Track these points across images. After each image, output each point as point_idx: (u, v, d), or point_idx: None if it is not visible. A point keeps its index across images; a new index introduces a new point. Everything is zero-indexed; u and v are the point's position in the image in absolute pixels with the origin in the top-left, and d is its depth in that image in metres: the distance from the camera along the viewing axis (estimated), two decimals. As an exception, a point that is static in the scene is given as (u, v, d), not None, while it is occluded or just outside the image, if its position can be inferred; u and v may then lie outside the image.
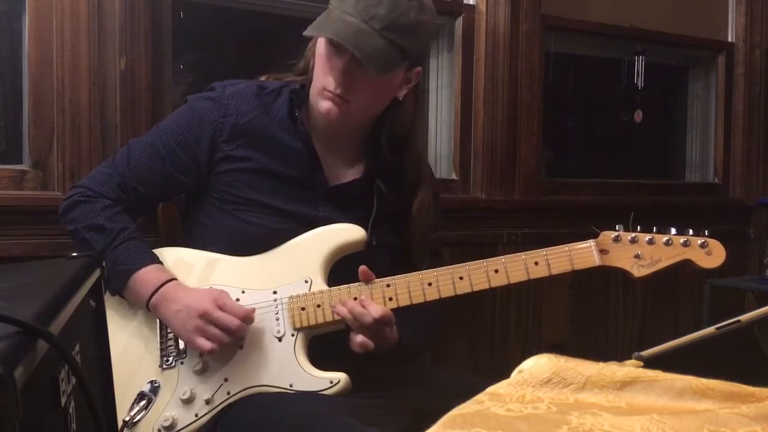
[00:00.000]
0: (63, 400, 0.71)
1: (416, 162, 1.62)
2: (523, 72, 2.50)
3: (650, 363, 1.04)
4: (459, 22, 2.45)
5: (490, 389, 0.89)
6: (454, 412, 0.81)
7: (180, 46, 2.01)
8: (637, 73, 2.85)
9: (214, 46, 2.26)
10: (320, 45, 1.47)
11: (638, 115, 2.90)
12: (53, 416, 0.70)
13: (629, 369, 0.94)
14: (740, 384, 0.90)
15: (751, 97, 3.08)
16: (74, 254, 0.98)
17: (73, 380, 0.75)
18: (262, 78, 1.63)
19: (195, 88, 1.81)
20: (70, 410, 0.74)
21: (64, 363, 0.71)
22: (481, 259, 1.49)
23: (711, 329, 1.13)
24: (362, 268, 1.46)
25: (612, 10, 2.78)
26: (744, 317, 1.12)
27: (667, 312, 2.89)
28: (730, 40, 3.09)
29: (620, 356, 1.09)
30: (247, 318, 1.41)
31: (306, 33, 1.45)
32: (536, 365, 0.93)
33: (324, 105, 1.47)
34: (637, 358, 1.09)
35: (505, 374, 0.94)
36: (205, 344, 1.39)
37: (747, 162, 3.09)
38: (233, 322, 1.38)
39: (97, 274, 0.95)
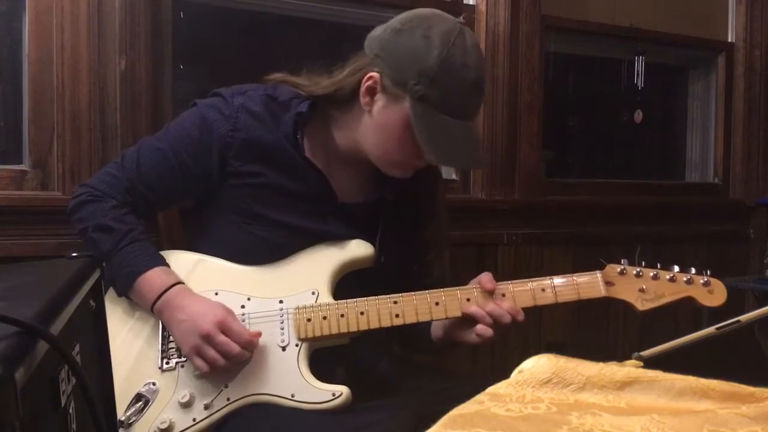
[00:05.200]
0: (63, 400, 0.71)
1: (434, 180, 1.62)
2: (523, 72, 2.50)
3: (650, 363, 1.04)
4: (459, 22, 2.45)
5: (490, 389, 0.89)
6: (454, 412, 0.81)
7: (180, 46, 2.01)
8: (637, 74, 2.85)
9: (215, 46, 2.26)
10: (404, 128, 1.41)
11: (638, 116, 2.90)
12: (53, 416, 0.70)
13: (629, 369, 0.94)
14: (740, 384, 0.90)
15: (751, 97, 3.08)
16: (74, 254, 0.98)
17: (73, 380, 0.75)
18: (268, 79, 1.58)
19: (195, 87, 1.81)
20: (70, 410, 0.74)
21: (64, 363, 0.71)
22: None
23: (711, 329, 1.13)
24: (487, 278, 1.47)
25: (612, 10, 2.78)
26: (744, 317, 1.12)
27: (667, 312, 2.87)
28: (730, 40, 3.09)
29: (620, 356, 1.09)
30: (250, 345, 1.40)
31: (454, 166, 1.42)
32: (536, 365, 0.93)
33: (402, 173, 1.49)
34: (637, 358, 1.09)
35: (505, 374, 0.94)
36: (201, 365, 1.39)
37: (747, 162, 3.09)
38: (234, 349, 1.37)
39: (97, 274, 0.95)
